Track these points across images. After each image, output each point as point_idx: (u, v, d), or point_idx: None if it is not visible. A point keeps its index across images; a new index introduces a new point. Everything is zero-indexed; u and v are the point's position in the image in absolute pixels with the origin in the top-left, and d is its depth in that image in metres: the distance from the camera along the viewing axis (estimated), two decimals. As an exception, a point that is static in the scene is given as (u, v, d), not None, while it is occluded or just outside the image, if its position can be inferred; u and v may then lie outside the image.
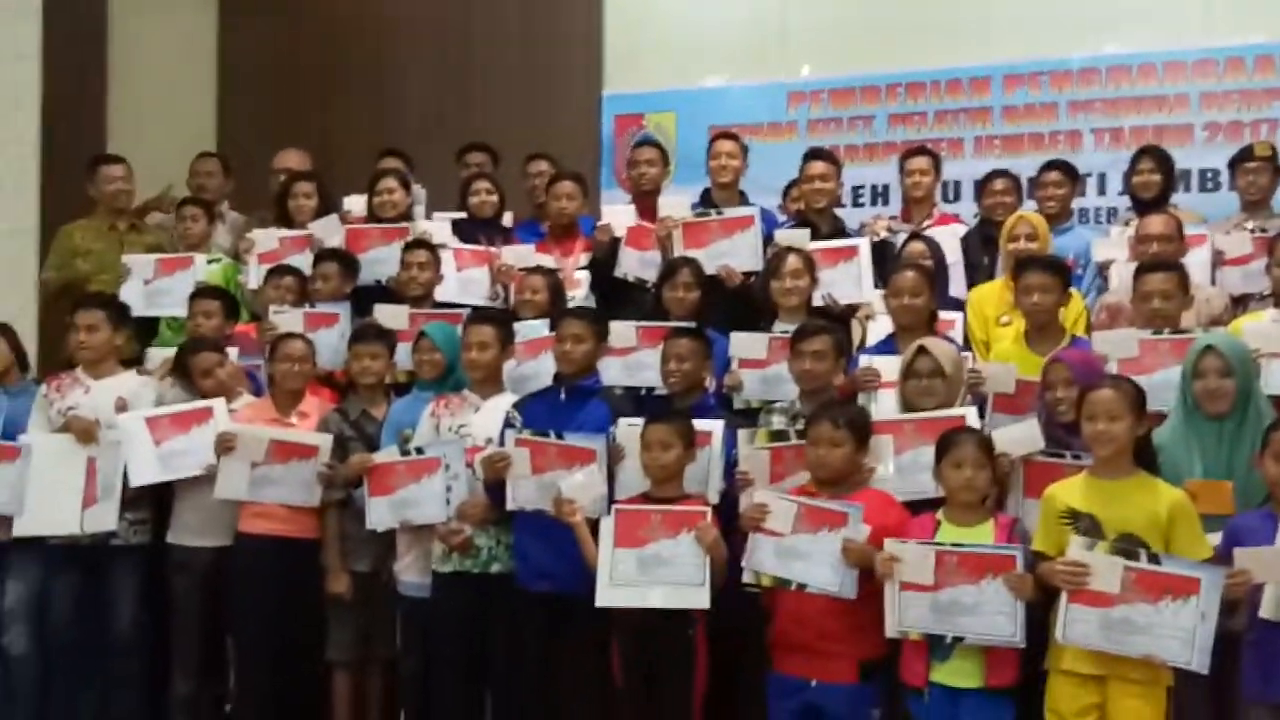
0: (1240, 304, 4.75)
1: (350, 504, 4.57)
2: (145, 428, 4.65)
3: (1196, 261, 4.77)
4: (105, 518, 4.62)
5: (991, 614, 3.47)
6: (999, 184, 5.48)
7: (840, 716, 3.70)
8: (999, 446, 3.77)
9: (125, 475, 4.63)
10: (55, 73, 7.15)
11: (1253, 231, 4.94)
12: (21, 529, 4.67)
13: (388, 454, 4.46)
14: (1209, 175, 6.29)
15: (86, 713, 4.86)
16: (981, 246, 5.32)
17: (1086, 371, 3.85)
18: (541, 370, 4.65)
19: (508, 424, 4.31)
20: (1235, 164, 5.33)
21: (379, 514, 4.42)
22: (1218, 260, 4.89)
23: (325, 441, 4.59)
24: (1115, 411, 3.50)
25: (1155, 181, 5.31)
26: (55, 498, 4.64)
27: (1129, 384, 3.61)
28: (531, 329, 4.86)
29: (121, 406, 4.73)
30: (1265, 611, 3.34)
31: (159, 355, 5.13)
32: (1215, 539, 3.47)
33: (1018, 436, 3.87)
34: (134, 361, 5.12)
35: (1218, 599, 3.28)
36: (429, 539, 4.43)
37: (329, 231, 5.48)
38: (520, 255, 5.38)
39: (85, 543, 4.66)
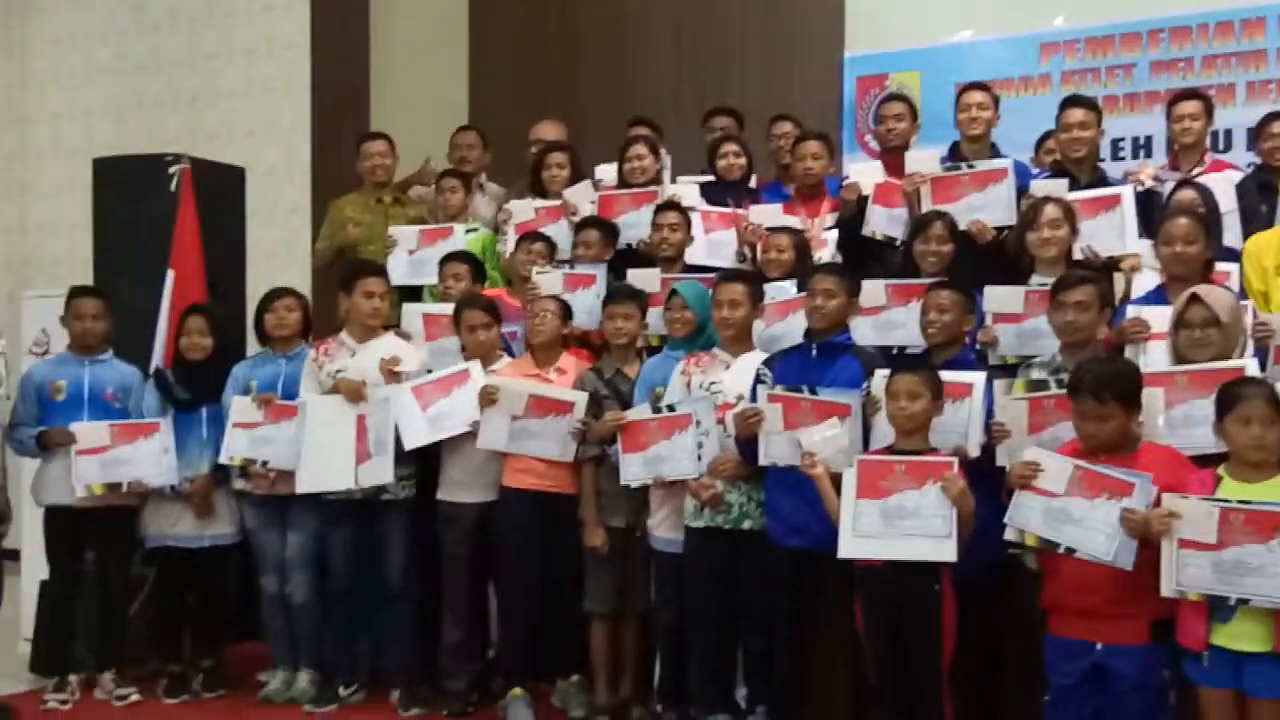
0: None
1: (606, 461, 4.69)
2: (413, 397, 4.89)
3: None
4: (380, 472, 4.89)
5: (1281, 576, 3.27)
6: (1278, 126, 5.11)
7: (1131, 678, 3.55)
8: (1287, 398, 3.53)
9: (397, 432, 4.88)
10: (321, 60, 7.62)
11: None
12: (302, 487, 4.98)
13: (640, 411, 4.56)
14: None
15: (364, 655, 5.18)
16: (1258, 193, 4.96)
17: (1387, 317, 3.57)
18: (790, 331, 4.64)
19: (759, 380, 4.33)
20: None
21: (632, 470, 4.53)
22: None
23: (581, 399, 4.71)
24: None
25: None
26: (330, 456, 4.94)
27: None
28: (779, 290, 4.85)
29: (385, 367, 4.98)
30: None
31: (415, 311, 5.36)
32: None
33: (1309, 388, 3.62)
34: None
35: None
36: (681, 495, 4.50)
37: (581, 197, 5.61)
38: (767, 214, 5.36)
39: (358, 497, 4.95)
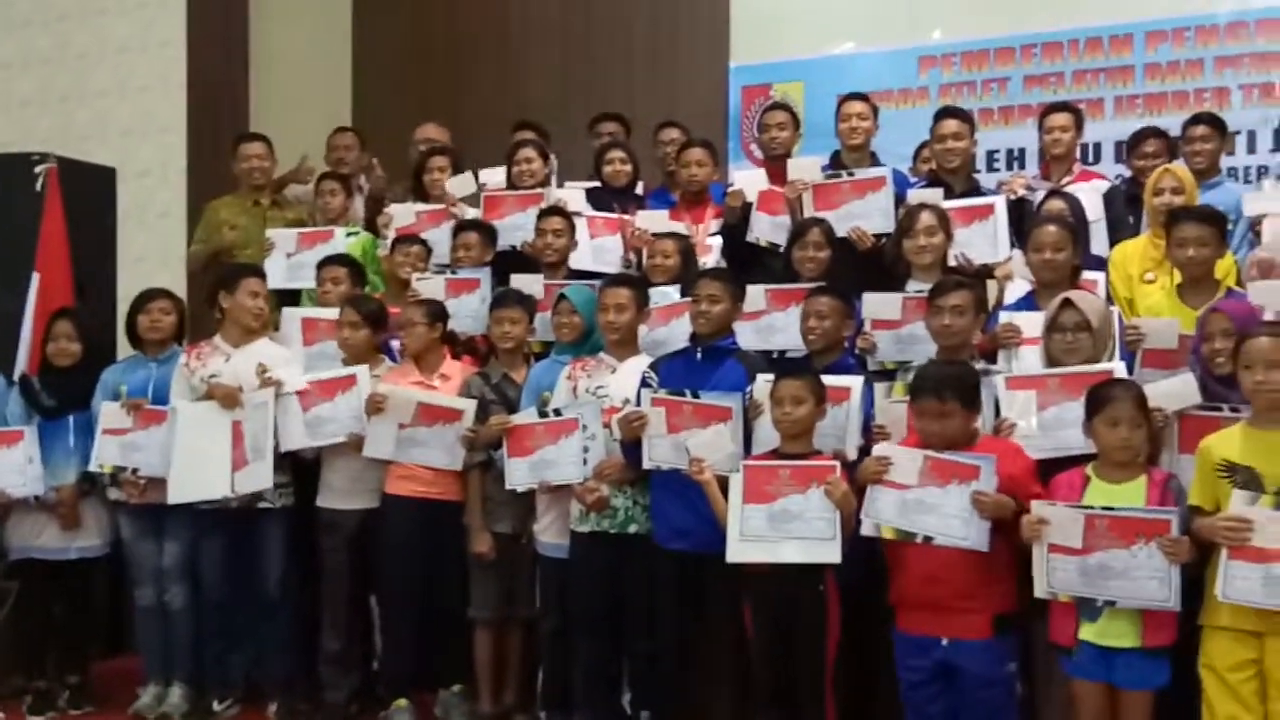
0: None
1: (492, 466, 4.65)
2: (295, 397, 4.78)
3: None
4: (258, 478, 4.77)
5: (1144, 578, 3.38)
6: (1151, 146, 5.28)
7: (976, 674, 3.64)
8: (1154, 401, 3.66)
9: (276, 437, 4.77)
10: (199, 58, 7.42)
11: None
12: (175, 497, 4.83)
13: (526, 415, 4.53)
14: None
15: (239, 668, 5.05)
16: (1127, 205, 5.15)
17: (1247, 322, 3.72)
18: (674, 335, 4.65)
19: (644, 384, 4.33)
20: None
21: (518, 474, 4.50)
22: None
23: (469, 406, 4.67)
24: (1275, 359, 3.37)
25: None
26: (205, 464, 4.80)
27: (1289, 333, 3.47)
28: (663, 294, 4.86)
29: (263, 371, 4.86)
30: None
31: (294, 315, 5.24)
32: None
33: (1173, 391, 3.76)
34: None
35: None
36: (568, 500, 4.48)
37: (462, 188, 5.55)
38: (653, 220, 5.36)
39: (233, 505, 4.82)
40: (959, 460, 3.62)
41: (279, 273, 5.55)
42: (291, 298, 5.60)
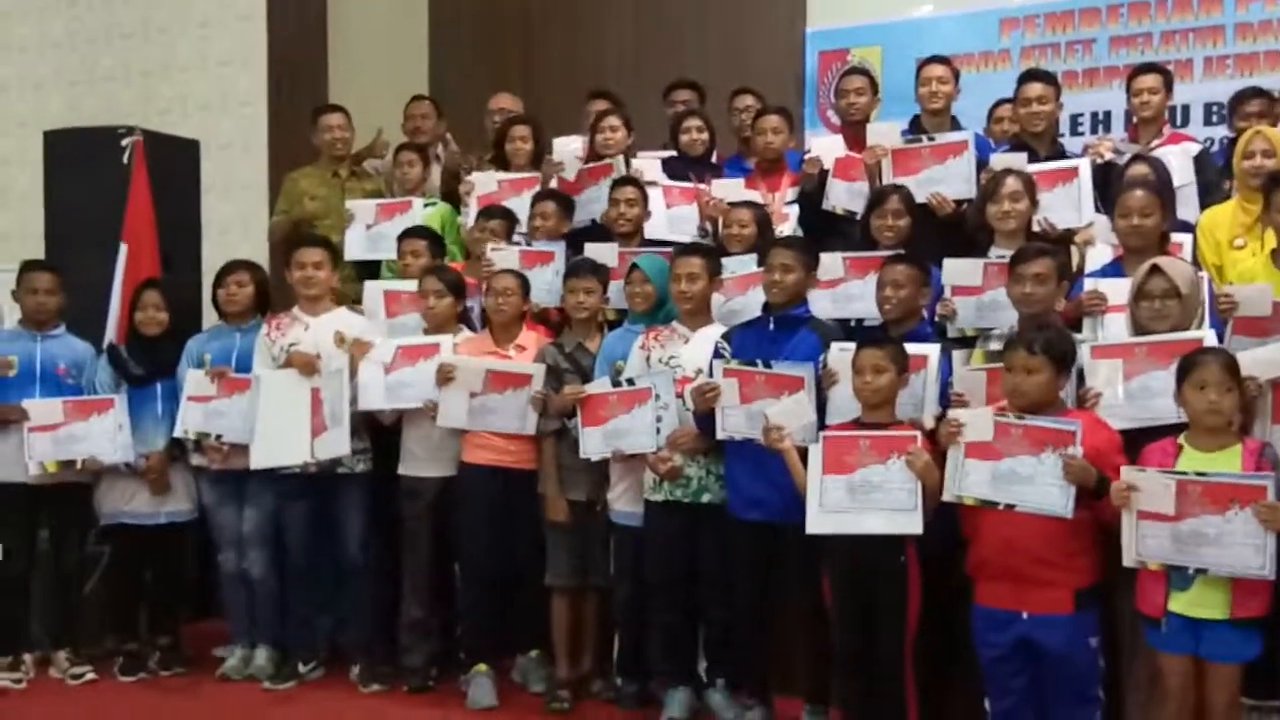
0: None
1: (566, 435, 4.66)
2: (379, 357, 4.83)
3: None
4: (336, 444, 4.85)
5: (1237, 545, 3.30)
6: (1254, 106, 5.09)
7: (1058, 650, 3.58)
8: (1247, 369, 3.57)
9: (353, 403, 4.83)
10: (278, 32, 7.50)
11: None
12: (257, 462, 4.93)
13: (600, 385, 4.54)
14: None
15: (322, 632, 5.15)
16: (1225, 168, 4.99)
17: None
18: (749, 305, 4.63)
19: (717, 354, 4.32)
20: None
21: (592, 443, 4.51)
22: None
23: (538, 370, 4.70)
24: (1375, 327, 3.27)
25: None
26: (286, 430, 4.89)
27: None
28: (739, 263, 4.84)
29: (340, 340, 4.94)
30: None
31: (376, 289, 5.29)
32: None
33: (1268, 359, 3.65)
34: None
35: None
36: (641, 469, 4.49)
37: (567, 154, 5.57)
38: (728, 188, 5.33)
39: (313, 471, 4.91)
40: (1050, 425, 3.55)
41: (359, 244, 5.63)
42: (372, 267, 5.65)
